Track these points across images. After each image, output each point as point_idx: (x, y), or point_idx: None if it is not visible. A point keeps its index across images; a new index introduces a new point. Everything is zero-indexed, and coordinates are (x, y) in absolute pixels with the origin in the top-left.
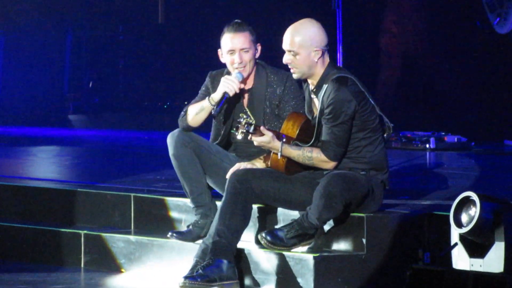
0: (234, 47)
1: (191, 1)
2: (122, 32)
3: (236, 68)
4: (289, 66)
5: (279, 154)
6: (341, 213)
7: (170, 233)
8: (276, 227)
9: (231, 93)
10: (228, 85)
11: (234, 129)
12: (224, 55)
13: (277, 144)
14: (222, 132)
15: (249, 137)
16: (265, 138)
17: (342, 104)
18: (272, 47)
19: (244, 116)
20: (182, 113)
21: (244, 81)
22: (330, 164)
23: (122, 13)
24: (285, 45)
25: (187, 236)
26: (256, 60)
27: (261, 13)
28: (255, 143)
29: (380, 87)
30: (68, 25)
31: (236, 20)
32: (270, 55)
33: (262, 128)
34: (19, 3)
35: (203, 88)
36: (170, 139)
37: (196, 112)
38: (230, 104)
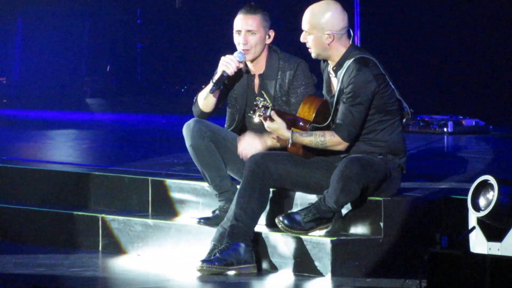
0: (241, 28)
1: None
2: (140, 16)
3: (242, 49)
4: (307, 46)
5: (289, 143)
6: (358, 197)
7: (197, 219)
8: (294, 211)
9: (229, 72)
10: (227, 63)
11: (252, 112)
12: (234, 36)
13: (286, 133)
14: (237, 117)
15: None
16: (274, 125)
17: (362, 84)
18: (290, 32)
19: (261, 99)
20: (194, 100)
21: (255, 66)
22: (343, 145)
23: None
24: (302, 25)
25: (215, 221)
26: (270, 45)
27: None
28: (266, 128)
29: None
30: (86, 9)
31: (251, 3)
32: (287, 41)
33: (273, 113)
34: None
35: (215, 73)
36: (186, 130)
37: (204, 97)
38: (241, 89)
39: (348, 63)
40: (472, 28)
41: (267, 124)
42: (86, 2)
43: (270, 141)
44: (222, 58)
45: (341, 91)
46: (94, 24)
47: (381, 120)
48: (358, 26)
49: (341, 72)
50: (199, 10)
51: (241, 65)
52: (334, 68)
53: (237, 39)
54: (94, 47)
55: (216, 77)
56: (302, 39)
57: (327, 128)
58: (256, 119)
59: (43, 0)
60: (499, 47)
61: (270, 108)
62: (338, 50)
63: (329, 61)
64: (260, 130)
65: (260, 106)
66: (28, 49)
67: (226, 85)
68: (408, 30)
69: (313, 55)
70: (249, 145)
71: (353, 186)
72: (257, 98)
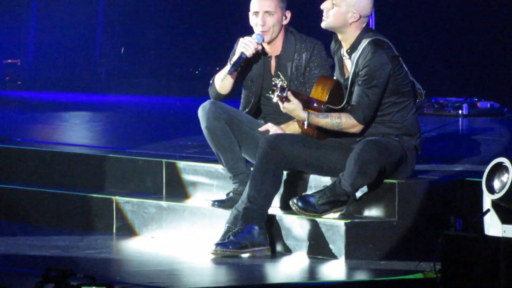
0: (259, 9)
1: None
2: None
3: (260, 31)
4: (324, 13)
5: (305, 124)
6: (374, 180)
7: (212, 202)
8: (308, 193)
9: (248, 53)
10: (245, 45)
11: (270, 92)
12: (250, 17)
13: (303, 114)
14: (252, 100)
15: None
16: (290, 106)
17: (378, 66)
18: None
19: (279, 79)
20: (210, 82)
21: (272, 47)
22: (358, 127)
23: None
24: None
25: (229, 203)
26: (286, 27)
27: None
28: (282, 109)
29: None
30: None
31: None
32: (302, 23)
33: (289, 94)
34: None
35: (231, 54)
36: (202, 112)
37: (221, 78)
38: (258, 71)
39: (363, 45)
40: (487, 10)
41: (283, 105)
42: None
43: (293, 128)
44: (241, 39)
45: (356, 73)
46: (108, 6)
47: (396, 102)
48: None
49: (356, 55)
50: None
51: (260, 47)
52: (348, 50)
53: (254, 21)
54: (108, 29)
55: (235, 58)
56: (322, 6)
57: (342, 110)
58: (275, 99)
59: None
60: None
61: (286, 88)
62: (355, 32)
63: (342, 43)
64: (274, 114)
65: (279, 86)
66: (42, 31)
67: (243, 67)
68: (423, 12)
69: (326, 26)
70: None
71: (370, 168)
72: (273, 78)
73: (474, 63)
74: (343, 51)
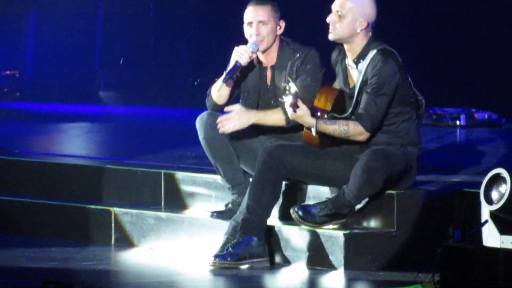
0: (253, 19)
1: None
2: (153, 8)
3: (254, 40)
4: (330, 26)
5: (313, 130)
6: (380, 189)
7: (210, 213)
8: (310, 203)
9: (242, 62)
10: (240, 54)
11: (284, 96)
12: (244, 28)
13: (311, 120)
14: None
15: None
16: (299, 112)
17: (388, 75)
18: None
19: (290, 84)
20: (207, 93)
21: (267, 57)
22: (365, 135)
23: None
24: (335, 5)
25: (228, 214)
26: (281, 37)
27: None
28: (289, 116)
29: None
30: (100, 1)
31: None
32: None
33: (298, 100)
34: None
35: (228, 65)
36: (199, 123)
37: (217, 88)
38: (254, 82)
39: (371, 54)
40: (484, 20)
41: (294, 111)
42: None
43: (255, 118)
44: (236, 48)
45: (364, 82)
46: (107, 17)
47: (401, 112)
48: None
49: (364, 64)
50: (213, 3)
51: (254, 56)
52: (355, 60)
53: (249, 31)
54: (107, 40)
55: (229, 67)
56: (329, 20)
57: (347, 119)
58: (287, 104)
59: None
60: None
61: (295, 95)
62: (362, 41)
63: (347, 53)
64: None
65: (292, 92)
66: (41, 42)
67: (239, 77)
68: (421, 21)
69: (334, 38)
70: (239, 118)
71: (378, 178)
72: (283, 84)
73: (472, 74)
74: (348, 60)
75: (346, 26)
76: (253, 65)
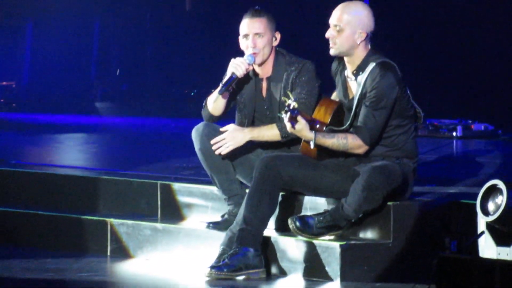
0: (248, 31)
1: None
2: (150, 19)
3: (251, 53)
4: (330, 41)
5: (312, 144)
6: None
7: (207, 224)
8: (308, 214)
9: (238, 74)
10: (237, 65)
11: (283, 112)
12: (240, 41)
13: (310, 134)
14: (245, 122)
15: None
16: (298, 126)
17: (387, 89)
18: (296, 36)
19: (289, 99)
20: (203, 104)
21: (263, 69)
22: (363, 148)
23: (149, 0)
24: (332, 19)
25: (224, 225)
26: (276, 48)
27: (287, 3)
28: (288, 130)
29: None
30: (96, 12)
31: (256, 7)
32: (293, 45)
33: (297, 115)
34: None
35: (224, 76)
36: (195, 134)
37: (213, 100)
38: (249, 93)
39: (370, 67)
40: (481, 32)
41: (290, 125)
42: (96, 6)
43: (250, 136)
44: (232, 60)
45: (363, 95)
46: (103, 28)
47: (400, 125)
48: None
49: (363, 76)
50: (209, 13)
51: (251, 68)
52: (354, 72)
53: (245, 44)
54: (103, 51)
55: (226, 78)
56: (328, 35)
57: (345, 131)
58: (286, 119)
59: (53, 5)
60: (509, 51)
61: (295, 109)
62: (362, 52)
63: (347, 64)
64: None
65: (291, 108)
66: (37, 53)
67: (235, 89)
68: (417, 33)
69: (335, 53)
70: (233, 138)
71: (378, 195)
72: (283, 98)
73: (468, 85)
74: (348, 72)
75: (346, 39)
76: (249, 76)
